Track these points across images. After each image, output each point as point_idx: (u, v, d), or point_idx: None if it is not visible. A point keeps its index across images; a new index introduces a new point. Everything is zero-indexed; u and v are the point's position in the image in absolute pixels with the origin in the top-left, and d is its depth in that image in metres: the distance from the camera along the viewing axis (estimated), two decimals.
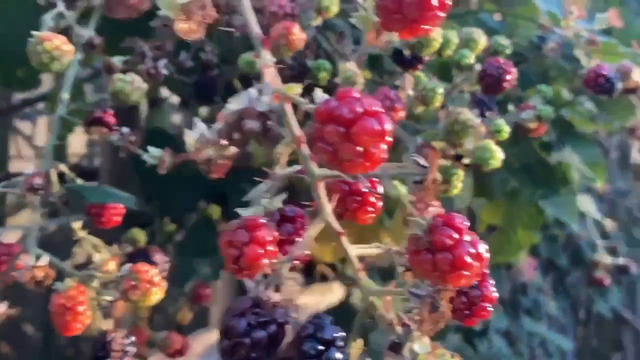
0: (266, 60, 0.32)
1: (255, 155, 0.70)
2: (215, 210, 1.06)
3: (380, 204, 0.39)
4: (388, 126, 0.27)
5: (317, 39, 0.67)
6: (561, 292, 3.02)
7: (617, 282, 2.89)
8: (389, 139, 0.27)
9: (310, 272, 1.36)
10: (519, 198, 1.23)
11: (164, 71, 0.60)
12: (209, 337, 1.18)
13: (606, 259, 1.15)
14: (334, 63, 0.66)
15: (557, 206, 1.29)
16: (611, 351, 3.37)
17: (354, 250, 0.34)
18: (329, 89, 0.64)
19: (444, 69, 0.71)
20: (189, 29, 0.33)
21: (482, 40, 0.66)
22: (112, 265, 0.58)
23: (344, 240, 0.34)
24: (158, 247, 0.92)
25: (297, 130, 0.33)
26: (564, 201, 1.28)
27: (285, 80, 0.66)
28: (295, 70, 0.63)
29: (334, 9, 0.60)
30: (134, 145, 0.56)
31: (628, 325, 3.32)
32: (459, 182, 0.60)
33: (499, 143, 0.62)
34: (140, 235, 0.85)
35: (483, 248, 0.31)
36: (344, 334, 0.30)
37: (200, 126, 0.29)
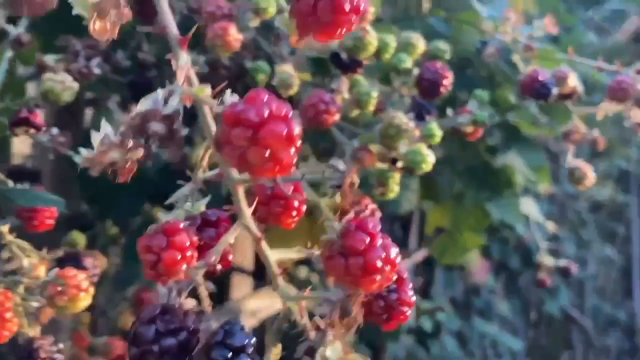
0: (182, 62, 0.31)
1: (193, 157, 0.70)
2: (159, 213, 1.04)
3: (305, 207, 0.38)
4: (297, 130, 0.27)
5: (256, 40, 0.67)
6: (513, 293, 3.08)
7: (567, 283, 2.96)
8: (298, 143, 0.27)
9: (261, 276, 1.36)
10: (465, 201, 1.25)
11: (97, 70, 0.58)
12: None
13: (549, 261, 1.18)
14: (274, 65, 0.66)
15: (502, 208, 1.31)
16: (560, 350, 3.45)
17: (273, 255, 0.34)
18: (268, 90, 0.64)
19: (386, 73, 0.72)
20: (102, 29, 0.32)
21: (420, 44, 0.67)
22: (41, 271, 0.56)
23: (264, 245, 0.34)
24: (99, 251, 0.90)
25: (214, 132, 0.32)
26: (508, 204, 1.30)
27: (221, 81, 0.66)
28: (232, 71, 0.62)
29: (272, 10, 0.60)
30: (65, 145, 0.55)
31: (577, 324, 3.41)
32: (396, 185, 0.60)
33: (440, 145, 0.63)
34: (80, 239, 0.83)
35: (394, 252, 0.31)
36: (254, 339, 0.30)
37: (106, 128, 0.28)
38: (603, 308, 3.66)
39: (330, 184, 0.34)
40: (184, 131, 0.27)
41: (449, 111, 0.70)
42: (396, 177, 0.60)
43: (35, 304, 0.52)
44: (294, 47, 0.61)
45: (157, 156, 0.94)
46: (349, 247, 0.30)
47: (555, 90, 0.75)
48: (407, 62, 0.64)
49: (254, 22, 0.62)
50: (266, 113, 0.26)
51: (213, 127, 0.32)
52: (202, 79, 0.60)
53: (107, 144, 0.27)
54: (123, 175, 0.28)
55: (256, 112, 0.26)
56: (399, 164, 0.56)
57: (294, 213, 0.38)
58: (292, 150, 0.27)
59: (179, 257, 0.35)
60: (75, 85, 0.56)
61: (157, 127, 0.26)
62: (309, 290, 0.32)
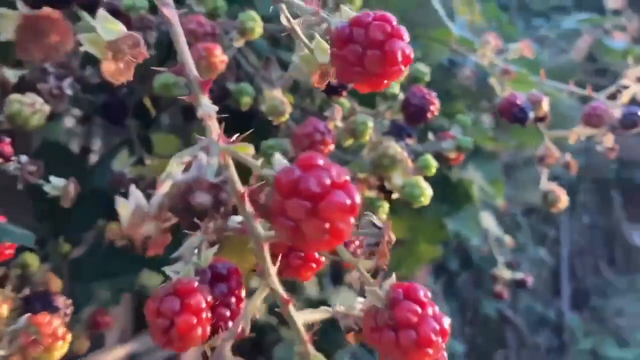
0: (208, 110, 0.28)
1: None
2: (114, 229, 0.98)
3: (324, 258, 0.36)
4: (358, 199, 0.24)
5: (236, 59, 0.64)
6: (451, 295, 3.15)
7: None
8: (357, 212, 0.24)
9: None
10: (423, 213, 1.25)
11: (69, 91, 0.53)
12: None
13: (506, 274, 1.19)
14: (255, 85, 0.62)
15: (459, 221, 1.32)
16: (495, 349, 3.55)
17: (301, 318, 0.31)
18: (252, 113, 0.61)
19: (366, 95, 0.70)
20: (116, 70, 0.28)
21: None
22: (4, 309, 0.51)
23: (291, 308, 0.31)
24: (52, 272, 0.84)
25: (240, 186, 0.29)
26: (465, 216, 1.31)
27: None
28: (214, 94, 0.58)
29: (259, 30, 0.57)
30: (35, 175, 0.50)
31: (511, 324, 3.52)
32: (384, 214, 0.58)
33: None
34: (33, 260, 0.77)
35: (447, 322, 0.29)
36: None
37: (136, 195, 0.24)
38: (535, 307, 3.78)
39: (366, 243, 0.31)
40: (232, 201, 0.24)
41: (431, 135, 0.69)
42: (385, 206, 0.58)
43: (2, 353, 0.47)
44: (284, 71, 0.58)
45: (110, 169, 0.89)
46: (399, 320, 0.28)
47: (532, 114, 0.75)
48: (395, 87, 0.62)
49: (239, 43, 0.58)
50: (327, 182, 0.23)
51: (236, 180, 0.29)
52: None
53: (141, 215, 0.23)
54: (155, 249, 0.25)
55: (317, 182, 0.23)
56: (395, 196, 0.54)
57: (314, 266, 0.36)
58: (352, 219, 0.24)
59: (195, 321, 0.31)
60: (46, 109, 0.51)
61: (203, 198, 0.23)
62: None
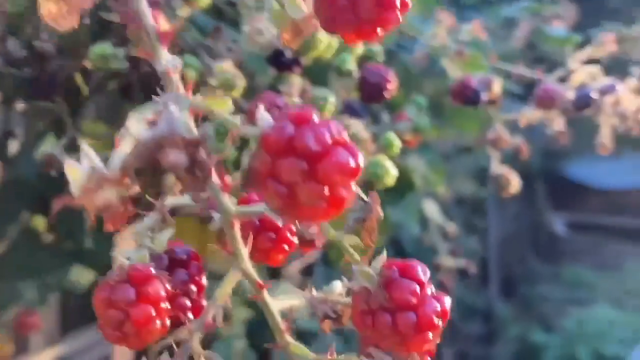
0: (168, 64, 0.24)
1: None
2: (39, 222, 0.91)
3: (296, 239, 0.32)
4: (362, 160, 0.20)
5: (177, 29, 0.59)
6: None
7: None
8: (359, 175, 0.21)
9: None
10: None
11: None
12: None
13: (449, 262, 1.19)
14: (199, 58, 0.58)
15: (400, 210, 1.31)
16: None
17: (278, 305, 0.27)
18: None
19: (318, 73, 0.66)
20: (58, 13, 0.23)
21: (359, 44, 0.62)
22: None
23: (266, 295, 0.27)
24: None
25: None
26: (407, 205, 1.30)
27: (143, 78, 0.57)
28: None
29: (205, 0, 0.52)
30: None
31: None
32: None
33: None
34: None
35: (448, 302, 0.25)
36: None
37: (91, 156, 0.20)
38: (465, 297, 3.86)
39: (353, 218, 0.28)
40: (212, 160, 0.20)
41: (385, 116, 0.66)
42: None
43: None
44: (235, 43, 0.53)
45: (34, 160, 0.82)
46: (397, 301, 0.24)
47: (485, 97, 0.74)
48: (351, 63, 0.59)
49: (184, 12, 0.54)
50: (327, 139, 0.19)
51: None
52: (122, 76, 0.51)
53: (97, 179, 0.19)
54: (115, 221, 0.20)
55: (316, 138, 0.19)
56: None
57: (286, 247, 0.32)
58: (353, 186, 0.20)
59: (153, 312, 0.27)
60: None
61: (177, 156, 0.18)
62: (332, 350, 0.26)
